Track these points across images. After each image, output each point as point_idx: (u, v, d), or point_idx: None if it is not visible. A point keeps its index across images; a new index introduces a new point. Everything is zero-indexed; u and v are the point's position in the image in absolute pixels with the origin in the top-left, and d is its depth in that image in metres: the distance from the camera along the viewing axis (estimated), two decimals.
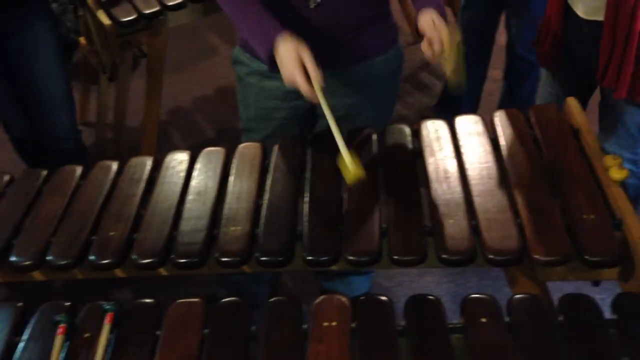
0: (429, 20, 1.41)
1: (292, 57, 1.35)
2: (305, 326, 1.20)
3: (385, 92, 1.73)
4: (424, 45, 1.41)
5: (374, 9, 1.59)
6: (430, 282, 2.28)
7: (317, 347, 1.14)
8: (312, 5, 1.50)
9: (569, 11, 1.88)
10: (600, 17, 1.77)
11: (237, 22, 1.53)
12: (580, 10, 1.84)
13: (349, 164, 1.32)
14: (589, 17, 1.82)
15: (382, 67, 1.66)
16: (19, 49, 1.98)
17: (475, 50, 2.65)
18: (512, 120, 1.55)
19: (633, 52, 1.73)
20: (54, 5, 2.13)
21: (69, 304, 1.28)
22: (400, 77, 1.77)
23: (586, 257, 1.22)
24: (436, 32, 1.39)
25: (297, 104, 1.65)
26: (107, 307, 1.23)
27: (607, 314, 1.17)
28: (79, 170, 1.60)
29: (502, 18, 2.63)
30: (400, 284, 2.28)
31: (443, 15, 1.44)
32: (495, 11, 2.55)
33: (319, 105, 1.38)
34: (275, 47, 1.39)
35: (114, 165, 1.59)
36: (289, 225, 1.36)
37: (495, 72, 2.99)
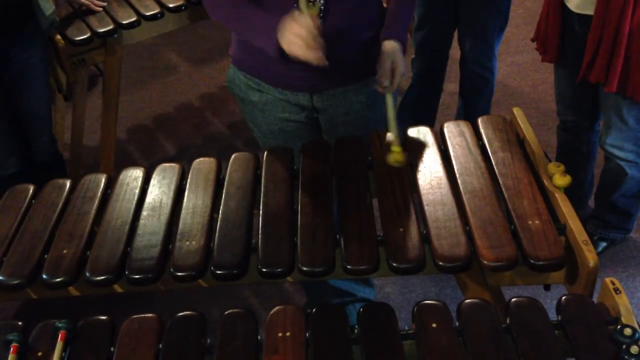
0: (389, 58, 1.52)
1: (298, 32, 1.35)
2: (260, 337, 1.21)
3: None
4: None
5: (373, 30, 1.58)
6: (391, 292, 2.30)
7: (271, 357, 1.16)
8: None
9: (564, 7, 1.93)
10: (591, 12, 1.83)
11: (236, 27, 1.55)
12: (572, 4, 1.90)
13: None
14: (580, 11, 1.88)
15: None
16: (19, 74, 2.04)
17: (430, 68, 2.71)
18: (461, 131, 1.59)
19: (623, 46, 1.78)
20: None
21: (20, 323, 1.27)
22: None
23: (532, 261, 1.26)
24: (389, 74, 1.51)
25: (302, 115, 1.69)
26: (59, 325, 1.22)
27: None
28: (30, 189, 1.59)
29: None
30: None
31: (405, 47, 1.57)
32: (448, 30, 2.61)
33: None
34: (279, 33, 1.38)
35: (67, 184, 1.58)
36: (244, 238, 1.38)
37: (451, 86, 3.05)
